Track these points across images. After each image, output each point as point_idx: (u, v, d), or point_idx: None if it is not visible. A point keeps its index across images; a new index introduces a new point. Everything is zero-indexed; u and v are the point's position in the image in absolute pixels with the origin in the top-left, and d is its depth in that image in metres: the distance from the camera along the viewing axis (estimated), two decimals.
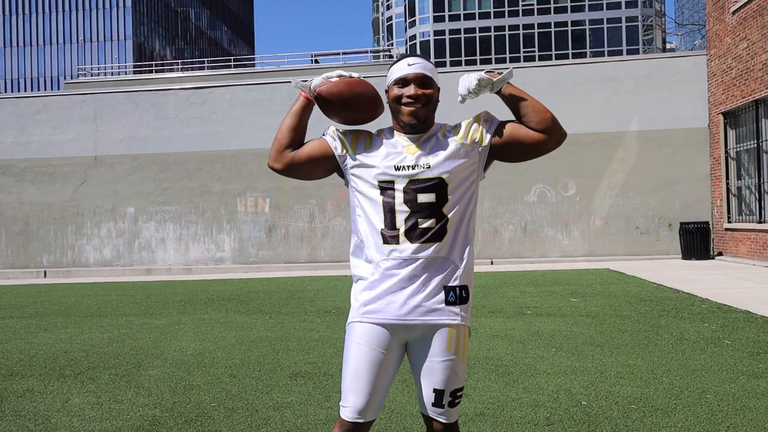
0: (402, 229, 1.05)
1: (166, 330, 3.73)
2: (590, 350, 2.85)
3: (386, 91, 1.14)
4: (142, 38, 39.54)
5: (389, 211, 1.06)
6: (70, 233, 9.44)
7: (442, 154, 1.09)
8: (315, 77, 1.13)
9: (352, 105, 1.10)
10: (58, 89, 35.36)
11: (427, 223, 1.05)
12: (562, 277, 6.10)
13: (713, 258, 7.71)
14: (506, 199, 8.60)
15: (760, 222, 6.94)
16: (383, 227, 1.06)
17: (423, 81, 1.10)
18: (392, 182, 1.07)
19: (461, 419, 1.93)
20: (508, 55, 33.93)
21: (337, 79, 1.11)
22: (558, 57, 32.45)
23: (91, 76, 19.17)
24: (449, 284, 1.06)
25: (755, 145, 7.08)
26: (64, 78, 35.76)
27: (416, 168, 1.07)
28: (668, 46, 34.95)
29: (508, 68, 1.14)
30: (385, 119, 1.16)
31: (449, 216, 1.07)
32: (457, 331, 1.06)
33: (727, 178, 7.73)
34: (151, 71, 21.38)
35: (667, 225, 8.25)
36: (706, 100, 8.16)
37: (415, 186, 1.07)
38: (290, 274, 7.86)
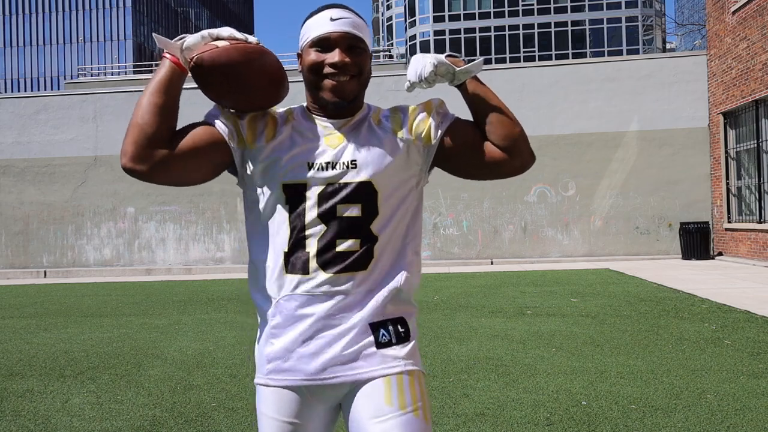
0: (312, 252, 0.74)
1: (166, 330, 3.73)
2: (590, 350, 2.85)
3: (298, 56, 0.80)
4: (142, 38, 39.55)
5: (297, 228, 0.74)
6: (70, 233, 9.44)
7: (373, 150, 0.77)
8: (190, 35, 0.75)
9: (246, 82, 0.73)
10: (58, 89, 35.36)
11: (347, 245, 0.74)
12: (562, 277, 6.10)
13: (713, 258, 7.71)
14: (506, 199, 8.60)
15: (760, 222, 6.94)
16: (286, 249, 0.75)
17: (352, 43, 0.76)
18: (303, 186, 0.75)
19: (461, 419, 1.93)
20: (508, 55, 33.93)
21: (226, 43, 0.73)
22: (558, 57, 32.46)
23: (91, 76, 19.18)
24: (378, 319, 0.75)
25: (755, 145, 7.08)
26: (64, 78, 35.78)
27: (337, 167, 0.75)
28: (668, 46, 34.96)
29: (476, 59, 0.83)
30: (295, 96, 0.84)
31: (379, 235, 0.75)
32: (399, 380, 0.73)
33: (727, 178, 7.73)
34: (151, 71, 21.37)
35: (667, 225, 8.25)
36: (706, 100, 8.15)
37: (333, 193, 0.75)
38: None
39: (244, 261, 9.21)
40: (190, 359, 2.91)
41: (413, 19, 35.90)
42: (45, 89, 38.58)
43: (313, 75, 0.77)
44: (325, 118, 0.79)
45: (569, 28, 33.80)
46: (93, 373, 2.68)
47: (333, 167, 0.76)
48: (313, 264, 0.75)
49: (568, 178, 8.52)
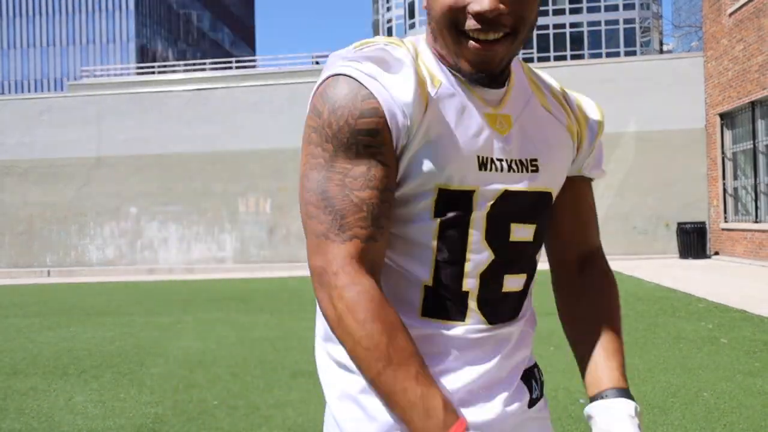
0: (475, 290, 0.49)
1: (169, 329, 3.75)
2: None
3: None
4: (145, 40, 39.60)
5: (449, 255, 0.48)
6: (73, 233, 9.47)
7: (552, 147, 0.52)
8: None
9: None
10: (62, 90, 35.41)
11: (515, 283, 0.51)
12: None
13: (710, 258, 7.71)
14: None
15: (756, 222, 6.96)
16: (429, 283, 0.48)
17: None
18: (469, 193, 0.48)
19: None
20: None
21: None
22: (556, 59, 32.47)
23: (94, 77, 19.22)
24: (527, 367, 0.53)
25: (751, 145, 7.10)
26: (67, 79, 35.84)
27: (514, 166, 0.50)
28: (665, 47, 34.99)
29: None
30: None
31: (536, 267, 0.53)
32: None
33: (724, 178, 7.74)
34: (153, 73, 21.42)
35: (664, 225, 8.27)
36: (703, 102, 8.18)
37: (510, 205, 0.50)
38: (291, 274, 7.84)
39: (246, 260, 9.24)
40: (192, 358, 2.93)
41: (413, 21, 35.94)
42: (48, 90, 38.61)
43: (448, 28, 0.47)
44: (480, 86, 0.49)
45: (567, 30, 33.84)
46: (96, 372, 2.70)
47: (510, 167, 0.49)
48: (472, 307, 0.49)
49: None
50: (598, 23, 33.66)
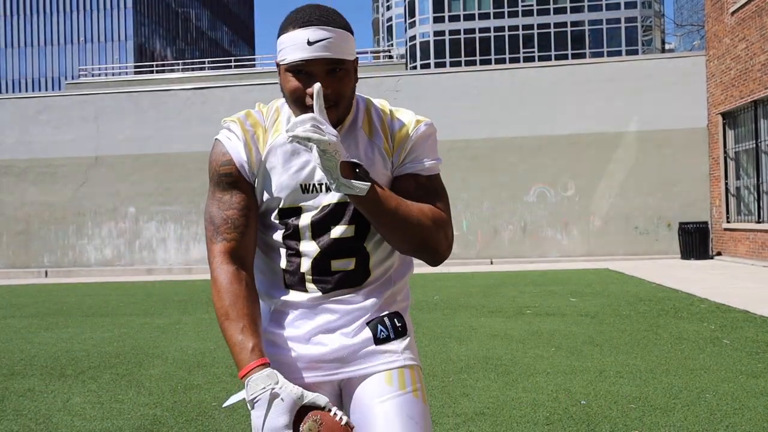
0: (309, 272, 0.74)
1: (167, 329, 3.74)
2: (589, 350, 2.86)
3: (277, 65, 0.73)
4: (143, 39, 39.56)
5: (291, 248, 0.74)
6: (71, 233, 9.45)
7: (366, 161, 0.74)
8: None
9: None
10: (59, 90, 35.37)
11: (344, 264, 0.74)
12: (561, 277, 6.10)
13: (712, 258, 7.71)
14: (506, 200, 8.61)
15: (758, 222, 6.95)
16: (284, 267, 0.75)
17: (331, 68, 0.69)
18: (297, 210, 0.73)
19: (461, 419, 1.94)
20: (507, 56, 33.96)
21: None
22: (557, 57, 32.47)
23: (92, 76, 19.19)
24: (375, 316, 0.75)
25: (754, 145, 7.09)
26: (65, 78, 35.80)
27: (330, 188, 0.72)
28: (667, 46, 35.00)
29: (364, 185, 0.67)
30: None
31: (372, 253, 0.75)
32: (399, 372, 0.74)
33: (726, 178, 7.74)
34: (152, 72, 21.39)
35: (666, 225, 8.26)
36: (705, 101, 8.17)
37: (327, 214, 0.73)
38: None
39: None
40: (190, 359, 2.92)
41: (413, 19, 35.91)
42: (46, 90, 38.57)
43: (294, 103, 0.71)
44: None
45: (569, 29, 33.82)
46: (94, 373, 2.69)
47: (328, 188, 0.73)
48: (309, 283, 0.75)
49: (567, 178, 8.53)
50: (600, 22, 33.66)
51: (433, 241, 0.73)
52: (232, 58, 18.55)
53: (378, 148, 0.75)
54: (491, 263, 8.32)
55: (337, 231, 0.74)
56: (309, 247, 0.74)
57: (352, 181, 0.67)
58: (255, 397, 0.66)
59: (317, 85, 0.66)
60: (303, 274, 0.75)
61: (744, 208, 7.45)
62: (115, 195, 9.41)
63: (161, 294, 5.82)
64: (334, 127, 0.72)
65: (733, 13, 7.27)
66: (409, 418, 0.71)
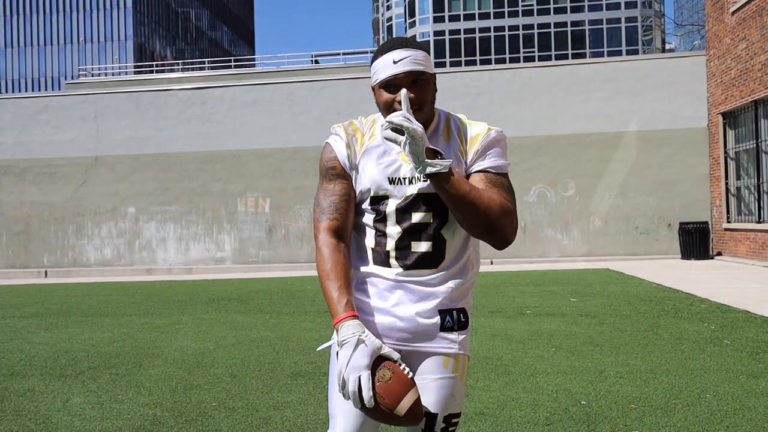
0: (393, 251, 0.90)
1: (167, 330, 3.74)
2: (590, 350, 2.85)
3: (373, 89, 0.93)
4: (143, 39, 39.56)
5: (379, 230, 0.91)
6: (70, 233, 9.45)
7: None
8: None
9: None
10: (59, 90, 35.38)
11: (424, 247, 0.89)
12: (561, 277, 6.10)
13: (712, 258, 7.71)
14: None
15: (759, 222, 6.95)
16: (373, 246, 0.91)
17: (414, 78, 0.88)
18: (385, 198, 0.90)
19: (461, 419, 1.93)
20: (507, 55, 33.96)
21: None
22: (558, 57, 32.48)
23: (92, 76, 19.19)
24: (446, 307, 0.90)
25: (754, 145, 7.08)
26: (65, 78, 35.81)
27: (413, 182, 0.90)
28: (667, 46, 35.00)
29: (446, 162, 0.83)
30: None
31: (448, 239, 0.90)
32: (455, 358, 0.91)
33: (726, 178, 7.73)
34: (151, 72, 21.39)
35: (666, 225, 8.26)
36: (706, 101, 8.16)
37: (411, 203, 0.89)
38: (290, 274, 7.85)
39: (244, 261, 9.22)
40: (190, 359, 2.91)
41: (413, 19, 35.92)
42: (46, 90, 38.58)
43: (388, 111, 0.91)
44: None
45: (569, 29, 33.82)
46: (94, 373, 2.69)
47: (410, 181, 0.91)
48: (393, 260, 0.91)
49: (567, 178, 8.53)
50: (600, 22, 33.65)
51: (499, 225, 0.87)
52: (232, 58, 18.55)
53: (454, 150, 0.93)
54: (491, 263, 8.32)
55: (417, 216, 0.90)
56: (393, 230, 0.91)
57: (435, 160, 0.83)
58: (345, 339, 0.83)
59: (404, 90, 0.85)
60: (388, 252, 0.91)
61: (744, 208, 7.44)
62: (115, 195, 9.41)
63: (161, 294, 5.81)
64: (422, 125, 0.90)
65: (733, 12, 7.26)
66: (452, 396, 0.91)
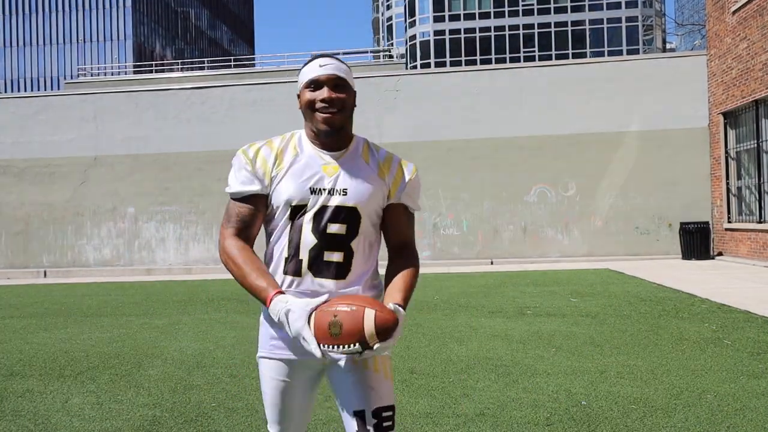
0: (306, 260, 0.95)
1: (166, 330, 3.73)
2: (590, 350, 2.85)
3: (298, 96, 1.00)
4: (142, 38, 39.55)
5: (294, 240, 0.96)
6: (70, 233, 9.44)
7: (361, 183, 0.97)
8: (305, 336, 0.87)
9: None
10: (58, 89, 35.34)
11: (336, 257, 0.95)
12: (562, 277, 6.10)
13: (713, 258, 7.70)
14: (506, 200, 8.60)
15: (760, 222, 6.94)
16: (287, 255, 0.96)
17: (337, 83, 0.96)
18: (303, 208, 0.96)
19: (461, 419, 1.93)
20: (508, 55, 33.95)
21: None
22: (558, 57, 32.46)
23: (91, 76, 19.18)
24: None
25: (755, 145, 7.08)
26: (64, 78, 35.77)
27: (333, 193, 0.95)
28: (668, 46, 34.98)
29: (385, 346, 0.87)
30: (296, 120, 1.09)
31: (356, 251, 0.97)
32: (373, 358, 0.94)
33: (727, 178, 7.73)
34: (151, 71, 21.38)
35: (667, 225, 8.25)
36: (706, 100, 8.16)
37: (326, 213, 0.95)
38: None
39: None
40: (189, 359, 2.91)
41: (413, 19, 35.90)
42: (45, 89, 38.56)
43: (309, 109, 0.97)
44: (325, 151, 0.99)
45: (569, 29, 33.81)
46: (93, 373, 2.68)
47: (329, 192, 0.97)
48: (305, 268, 0.96)
49: (568, 178, 8.52)
50: (601, 21, 33.64)
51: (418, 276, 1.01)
52: (232, 58, 18.55)
53: (374, 171, 1.00)
54: (491, 263, 8.31)
55: (333, 228, 0.96)
56: (308, 239, 0.96)
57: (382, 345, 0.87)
58: (277, 317, 0.89)
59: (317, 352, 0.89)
60: (301, 260, 0.96)
61: (745, 208, 7.43)
62: (114, 195, 9.40)
63: (160, 294, 5.81)
64: (338, 150, 1.00)
65: (734, 12, 7.25)
66: (373, 389, 0.94)
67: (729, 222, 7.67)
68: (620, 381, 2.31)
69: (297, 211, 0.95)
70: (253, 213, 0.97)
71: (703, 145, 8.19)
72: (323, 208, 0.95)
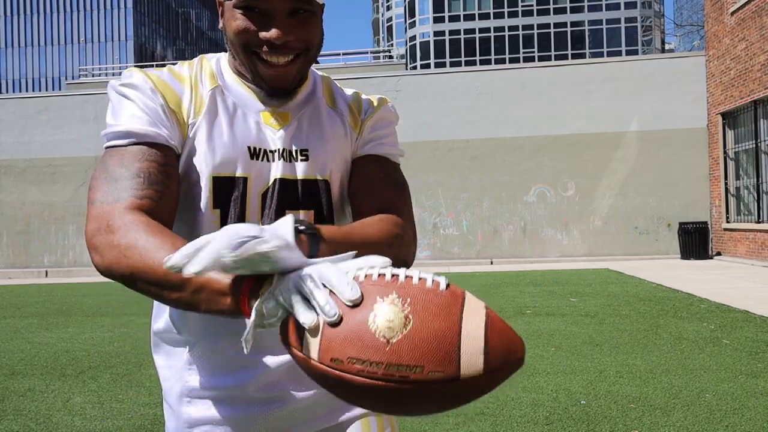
0: None
1: None
2: (589, 350, 2.86)
3: (218, 4, 0.55)
4: (143, 39, 39.56)
5: None
6: (71, 233, 9.45)
7: (329, 140, 0.57)
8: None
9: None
10: (60, 90, 35.41)
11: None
12: (561, 277, 6.10)
13: (712, 258, 7.71)
14: (506, 199, 8.60)
15: (758, 222, 6.95)
16: None
17: (296, 7, 0.52)
18: (240, 181, 0.53)
19: (461, 418, 1.94)
20: (507, 56, 33.97)
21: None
22: (557, 57, 32.50)
23: (93, 76, 19.19)
24: None
25: (754, 145, 7.09)
26: (65, 78, 35.84)
27: (286, 157, 0.55)
28: (667, 46, 35.03)
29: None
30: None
31: None
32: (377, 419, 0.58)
33: (726, 178, 7.74)
34: None
35: (666, 225, 8.26)
36: (705, 101, 8.17)
37: (281, 192, 0.54)
38: None
39: None
40: None
41: (413, 19, 35.92)
42: (46, 90, 38.59)
43: (242, 49, 0.53)
44: (259, 89, 0.56)
45: (568, 29, 33.83)
46: (94, 373, 2.69)
47: (281, 156, 0.54)
48: None
49: (567, 178, 8.53)
50: (600, 22, 33.67)
51: (400, 261, 0.51)
52: None
53: (343, 119, 0.59)
54: (491, 263, 8.32)
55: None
56: None
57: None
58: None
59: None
60: None
61: (744, 208, 7.45)
62: None
63: None
64: (291, 94, 0.56)
65: (732, 13, 7.27)
66: None
67: (728, 222, 7.68)
68: (619, 380, 2.32)
69: (224, 188, 0.52)
70: (168, 175, 0.50)
71: (702, 146, 8.19)
72: (273, 184, 0.54)
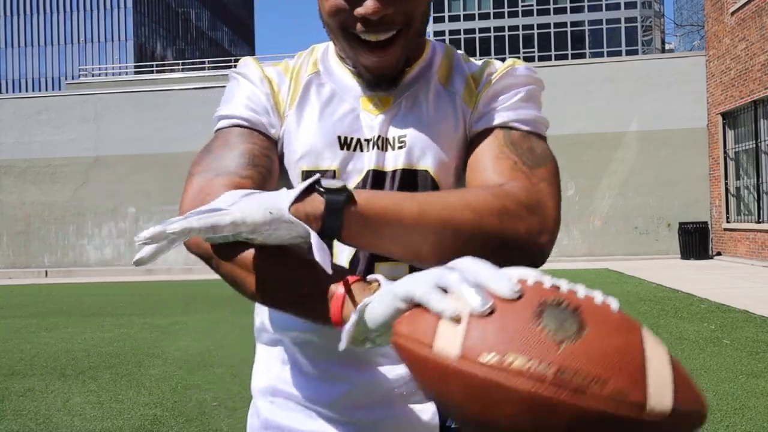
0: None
1: (167, 329, 3.74)
2: None
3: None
4: (143, 39, 39.57)
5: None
6: (71, 233, 9.46)
7: (435, 125, 0.50)
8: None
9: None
10: (59, 90, 35.41)
11: (394, 271, 0.47)
12: (561, 277, 6.09)
13: (712, 258, 7.71)
14: None
15: (758, 222, 6.96)
16: None
17: None
18: (328, 175, 0.49)
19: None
20: (507, 56, 33.85)
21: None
22: (557, 57, 32.51)
23: (92, 76, 19.20)
24: None
25: (754, 145, 7.09)
26: (65, 78, 35.83)
27: (381, 145, 0.49)
28: (667, 46, 34.99)
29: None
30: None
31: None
32: None
33: (726, 178, 7.74)
34: (152, 72, 21.40)
35: (666, 225, 8.26)
36: (705, 101, 8.17)
37: (375, 183, 0.49)
38: None
39: None
40: (191, 359, 2.92)
41: None
42: (46, 90, 38.58)
43: (338, 30, 0.47)
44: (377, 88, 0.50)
45: (568, 29, 33.85)
46: (94, 373, 2.69)
47: (376, 144, 0.48)
48: None
49: (567, 178, 8.54)
50: (600, 22, 33.68)
51: (505, 240, 0.40)
52: (232, 58, 18.55)
53: (454, 97, 0.50)
54: None
55: None
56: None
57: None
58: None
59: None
60: None
61: (744, 208, 7.45)
62: (115, 195, 9.41)
63: (161, 294, 5.82)
64: (400, 71, 0.49)
65: (733, 13, 7.27)
66: None
67: (728, 222, 7.68)
68: None
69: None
70: (271, 160, 0.48)
71: (702, 146, 8.20)
72: (366, 176, 0.48)
